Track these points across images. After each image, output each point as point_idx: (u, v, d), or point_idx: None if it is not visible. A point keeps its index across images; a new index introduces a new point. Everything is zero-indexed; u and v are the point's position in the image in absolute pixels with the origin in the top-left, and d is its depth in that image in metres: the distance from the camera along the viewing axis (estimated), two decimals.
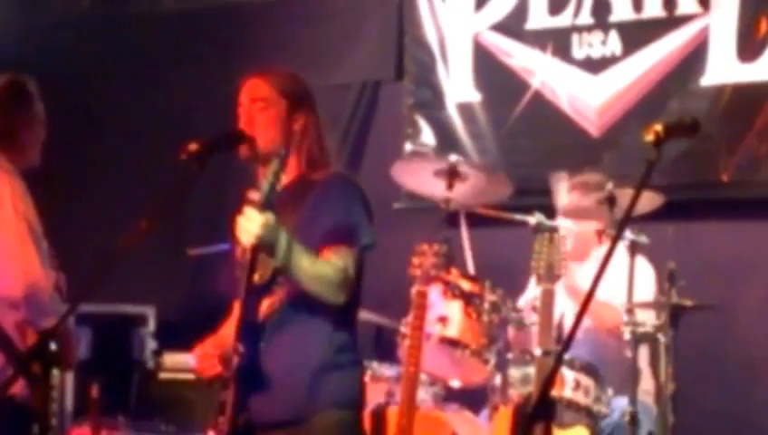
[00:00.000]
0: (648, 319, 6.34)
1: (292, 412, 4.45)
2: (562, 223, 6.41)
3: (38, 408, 4.50)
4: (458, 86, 8.13)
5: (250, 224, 4.26)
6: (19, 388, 4.72)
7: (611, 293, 6.34)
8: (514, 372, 6.23)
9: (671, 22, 7.55)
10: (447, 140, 8.04)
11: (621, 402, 6.30)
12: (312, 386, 4.46)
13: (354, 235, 4.48)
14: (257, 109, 4.57)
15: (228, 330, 4.50)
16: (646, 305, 6.42)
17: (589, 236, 6.71)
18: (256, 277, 4.44)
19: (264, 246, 4.28)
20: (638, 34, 7.64)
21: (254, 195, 4.35)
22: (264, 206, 4.34)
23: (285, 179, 4.53)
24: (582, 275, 6.40)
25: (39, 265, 5.03)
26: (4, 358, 5.00)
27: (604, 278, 4.52)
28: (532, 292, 6.72)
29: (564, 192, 6.71)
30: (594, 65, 7.77)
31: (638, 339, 6.30)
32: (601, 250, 6.54)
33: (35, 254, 5.04)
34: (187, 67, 8.43)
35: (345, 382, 4.56)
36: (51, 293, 5.05)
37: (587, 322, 6.42)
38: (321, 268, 4.40)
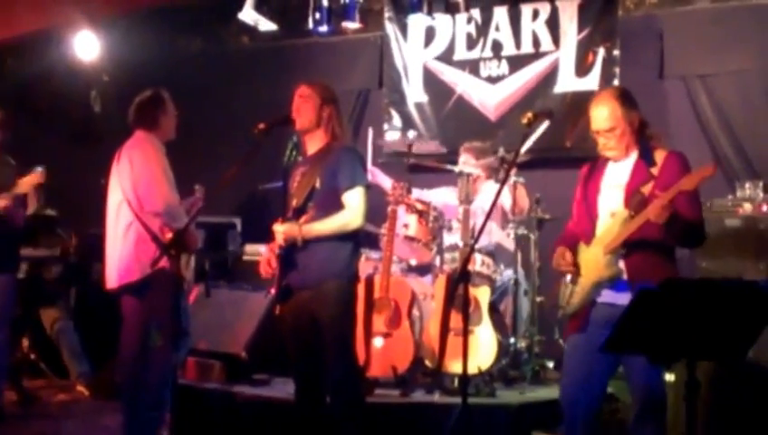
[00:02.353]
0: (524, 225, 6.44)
1: (311, 281, 4.47)
2: (472, 170, 6.39)
3: (177, 273, 4.80)
4: (414, 92, 8.00)
5: (279, 235, 4.44)
6: (165, 263, 4.80)
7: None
8: (447, 255, 6.19)
9: (537, 55, 7.47)
10: (408, 124, 7.92)
11: (509, 272, 6.37)
12: (324, 266, 4.47)
13: (359, 181, 4.51)
14: (302, 102, 4.57)
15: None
16: (523, 219, 6.43)
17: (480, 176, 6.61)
18: (294, 202, 4.52)
19: (289, 242, 4.44)
20: (517, 62, 7.56)
21: (277, 226, 4.47)
22: (288, 163, 4.56)
23: (317, 147, 4.60)
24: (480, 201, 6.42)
25: (170, 192, 5.06)
26: (156, 247, 5.04)
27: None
28: (441, 193, 6.74)
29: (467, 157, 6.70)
30: (492, 80, 7.65)
31: (518, 237, 6.39)
32: (489, 184, 6.58)
33: (168, 187, 5.07)
34: (257, 80, 8.30)
35: (345, 265, 4.55)
36: (178, 209, 5.10)
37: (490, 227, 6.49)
38: (333, 223, 4.46)
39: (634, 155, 4.10)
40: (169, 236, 5.01)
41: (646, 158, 4.07)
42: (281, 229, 4.45)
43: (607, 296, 4.01)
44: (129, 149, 5.27)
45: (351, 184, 4.50)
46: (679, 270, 4.16)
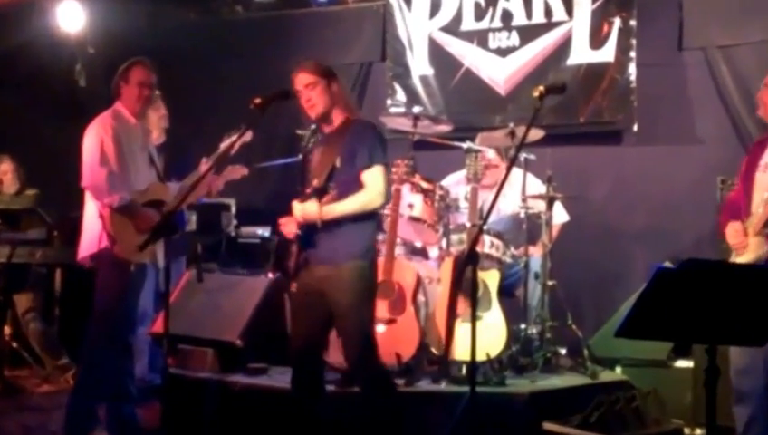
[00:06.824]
0: (536, 205, 6.41)
1: (329, 259, 4.60)
2: (482, 148, 6.38)
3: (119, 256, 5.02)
4: (419, 64, 8.00)
5: (297, 211, 4.61)
6: (107, 243, 5.08)
7: (514, 194, 6.45)
8: (453, 237, 6.18)
9: (549, 25, 7.47)
10: (413, 98, 7.94)
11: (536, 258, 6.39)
12: (345, 247, 4.61)
13: (377, 159, 4.63)
14: (309, 90, 4.67)
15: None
16: (535, 197, 6.37)
17: (499, 171, 6.61)
18: (315, 182, 4.64)
19: (308, 220, 4.58)
20: (529, 33, 7.55)
21: (296, 203, 4.63)
22: (307, 149, 4.75)
23: (336, 123, 4.75)
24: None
25: (97, 167, 5.13)
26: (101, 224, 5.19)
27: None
28: (452, 178, 6.82)
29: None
30: (502, 52, 7.66)
31: (529, 217, 6.37)
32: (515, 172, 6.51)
33: (98, 162, 5.14)
34: (251, 52, 8.35)
35: (365, 246, 4.70)
36: (106, 186, 5.14)
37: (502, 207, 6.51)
38: (354, 203, 4.60)
39: None
40: (106, 212, 5.14)
41: None
42: (299, 206, 4.60)
43: None
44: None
45: (370, 163, 4.62)
46: None
